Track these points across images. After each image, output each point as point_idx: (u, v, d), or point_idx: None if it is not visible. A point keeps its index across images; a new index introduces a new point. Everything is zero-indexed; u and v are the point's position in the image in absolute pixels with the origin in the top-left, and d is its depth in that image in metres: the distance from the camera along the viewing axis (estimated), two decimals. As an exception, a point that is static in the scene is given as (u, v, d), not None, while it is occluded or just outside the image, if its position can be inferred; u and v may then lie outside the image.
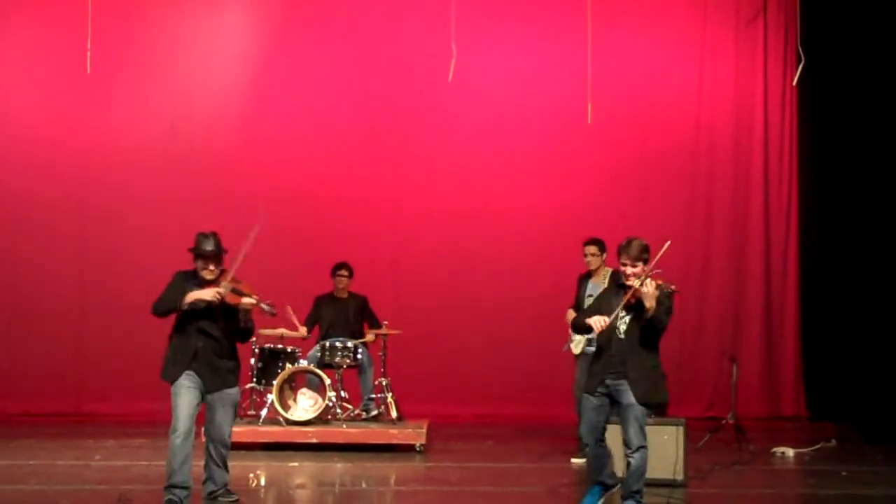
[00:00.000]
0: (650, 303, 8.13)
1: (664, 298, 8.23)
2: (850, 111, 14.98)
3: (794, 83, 14.33)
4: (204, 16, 15.20)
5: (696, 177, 15.50)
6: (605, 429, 8.51)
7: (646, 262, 8.26)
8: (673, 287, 8.38)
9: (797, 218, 15.53)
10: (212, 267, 8.56)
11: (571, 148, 15.25)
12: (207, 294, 8.43)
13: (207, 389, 8.60)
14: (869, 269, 14.66)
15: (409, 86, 15.24)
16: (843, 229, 15.11)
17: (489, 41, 15.19)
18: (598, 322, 8.25)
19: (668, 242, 8.28)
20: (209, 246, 8.57)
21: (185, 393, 8.49)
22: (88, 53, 13.09)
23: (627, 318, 8.32)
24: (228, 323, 8.61)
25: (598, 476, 8.57)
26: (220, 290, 8.42)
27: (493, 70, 15.30)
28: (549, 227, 14.94)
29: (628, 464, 8.36)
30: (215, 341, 8.58)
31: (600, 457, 8.51)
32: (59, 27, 14.67)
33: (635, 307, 8.25)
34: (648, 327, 8.26)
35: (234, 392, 8.76)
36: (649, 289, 8.11)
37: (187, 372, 8.52)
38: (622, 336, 8.33)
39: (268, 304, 8.54)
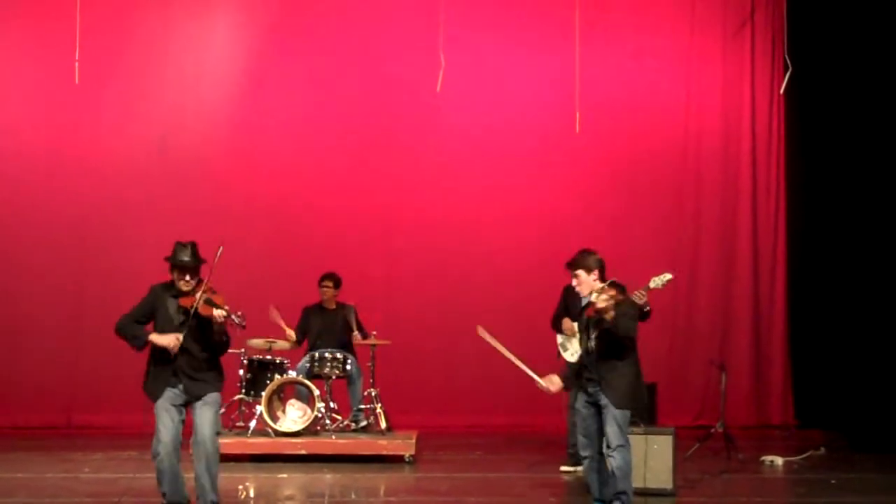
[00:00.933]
0: (608, 315, 8.21)
1: (627, 308, 8.29)
2: (838, 119, 15.02)
3: (782, 92, 14.34)
4: (194, 26, 15.21)
5: (684, 185, 15.54)
6: (600, 441, 8.49)
7: (589, 269, 8.51)
8: (643, 296, 8.47)
9: (785, 225, 15.58)
10: (187, 278, 8.40)
11: (560, 157, 15.27)
12: (166, 340, 8.31)
13: (189, 397, 8.41)
14: (857, 277, 14.68)
15: (397, 96, 15.25)
16: (831, 237, 15.15)
17: (477, 51, 15.21)
18: (554, 387, 8.71)
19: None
20: (185, 256, 8.42)
21: (164, 415, 8.36)
22: (76, 63, 13.06)
23: (595, 331, 8.44)
24: (205, 336, 8.42)
25: (604, 494, 8.54)
26: (179, 339, 8.28)
27: (482, 80, 15.32)
28: (539, 235, 14.95)
29: (609, 466, 8.40)
30: (192, 357, 8.40)
31: (603, 472, 8.49)
32: (47, 36, 14.65)
33: (598, 320, 8.35)
34: (612, 338, 8.32)
35: (212, 395, 8.48)
36: (604, 303, 8.20)
37: (168, 387, 8.37)
38: (593, 348, 8.47)
39: (238, 316, 8.32)
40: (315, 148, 15.17)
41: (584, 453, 8.60)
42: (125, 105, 15.02)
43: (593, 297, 8.32)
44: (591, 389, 8.47)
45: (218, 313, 8.23)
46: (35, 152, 14.80)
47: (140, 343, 8.41)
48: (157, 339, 8.35)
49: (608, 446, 8.38)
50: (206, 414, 8.38)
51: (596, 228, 14.61)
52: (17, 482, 10.66)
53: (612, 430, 8.34)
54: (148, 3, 15.11)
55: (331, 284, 13.02)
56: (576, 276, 8.58)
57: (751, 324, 15.43)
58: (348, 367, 12.65)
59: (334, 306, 13.05)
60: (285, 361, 12.52)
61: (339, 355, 12.62)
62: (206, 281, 8.43)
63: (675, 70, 15.59)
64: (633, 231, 15.16)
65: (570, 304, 11.66)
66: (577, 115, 13.77)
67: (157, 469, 8.40)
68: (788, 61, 13.74)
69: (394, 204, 15.17)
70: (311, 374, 12.53)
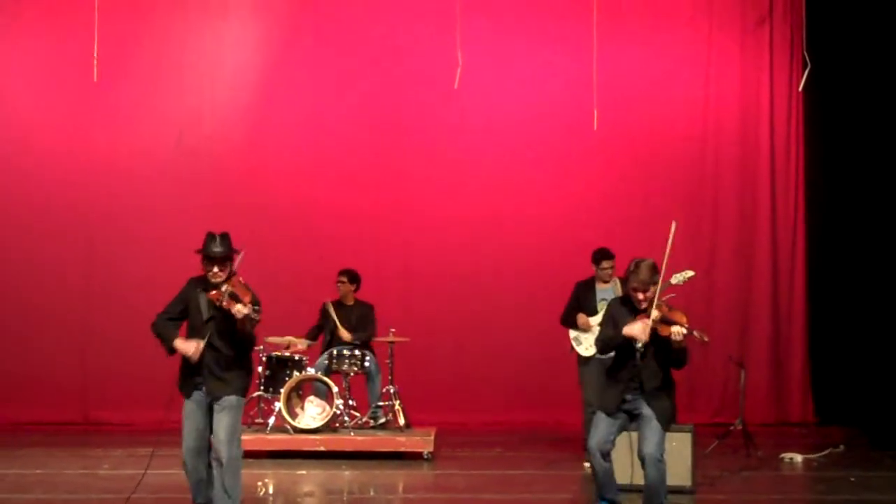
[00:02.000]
0: (677, 346, 8.03)
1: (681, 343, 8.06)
2: (857, 116, 14.96)
3: (801, 88, 14.32)
4: (211, 24, 15.21)
5: (703, 182, 15.48)
6: (613, 444, 8.35)
7: (656, 283, 8.16)
8: (687, 277, 8.40)
9: (804, 223, 15.50)
10: (216, 269, 8.21)
11: (577, 154, 15.23)
12: (187, 348, 8.19)
13: (212, 398, 8.24)
14: (877, 274, 14.63)
15: (414, 93, 15.24)
16: (851, 234, 15.08)
17: (495, 48, 15.18)
18: (643, 333, 8.09)
19: (673, 225, 8.31)
20: (216, 247, 8.24)
21: (189, 419, 8.27)
22: (95, 61, 13.10)
23: (654, 342, 8.17)
24: (230, 331, 8.22)
25: (608, 492, 8.39)
26: (201, 347, 8.15)
27: (499, 77, 15.29)
28: (556, 233, 14.93)
29: (646, 478, 8.21)
30: (219, 353, 8.21)
31: (609, 472, 8.33)
32: (66, 35, 14.67)
33: (655, 338, 8.10)
34: (670, 359, 8.20)
35: (232, 398, 8.25)
36: (681, 335, 7.97)
37: (196, 389, 8.25)
38: (640, 359, 8.20)
39: (255, 311, 8.08)
40: (332, 145, 15.17)
41: (594, 451, 8.25)
42: (143, 103, 15.03)
43: (654, 315, 8.05)
44: (629, 396, 8.23)
45: (237, 308, 8.04)
46: (52, 149, 14.81)
47: (168, 350, 8.30)
48: (180, 346, 8.23)
49: (645, 456, 8.14)
50: (223, 420, 8.21)
51: (613, 225, 14.62)
52: (35, 478, 10.70)
53: (654, 441, 8.12)
54: (166, 1, 15.12)
55: (346, 279, 13.01)
56: (642, 289, 8.19)
57: (770, 320, 15.37)
58: (367, 363, 12.64)
59: (352, 302, 13.05)
60: (304, 358, 12.51)
61: (357, 352, 12.61)
62: (236, 274, 8.27)
63: (694, 66, 15.53)
64: (651, 228, 15.05)
65: (582, 299, 11.74)
66: (595, 112, 13.76)
67: (184, 469, 8.34)
68: (807, 57, 13.73)
69: (411, 201, 15.15)
70: (329, 371, 12.53)
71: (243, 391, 8.39)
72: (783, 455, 12.17)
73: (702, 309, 15.19)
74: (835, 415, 14.83)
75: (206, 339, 8.17)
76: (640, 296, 8.15)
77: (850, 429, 14.01)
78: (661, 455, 8.14)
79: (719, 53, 15.52)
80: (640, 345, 8.13)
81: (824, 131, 15.38)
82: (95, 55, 13.08)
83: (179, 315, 8.38)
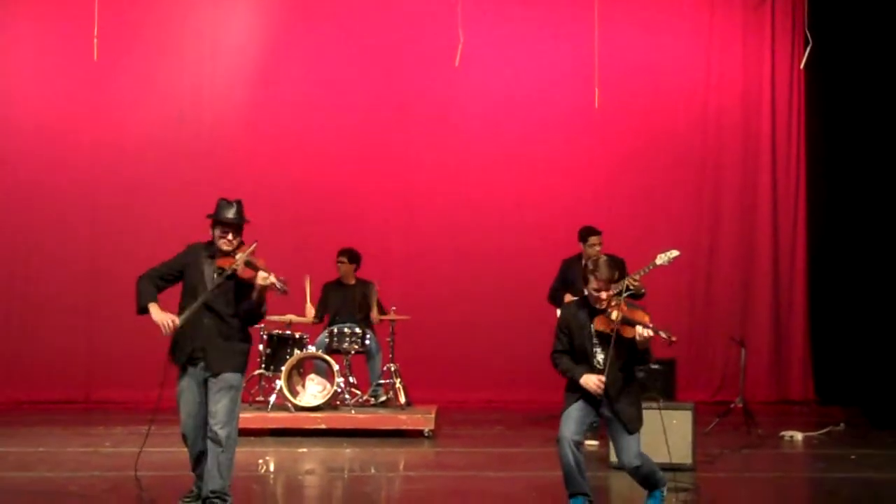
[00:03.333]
0: (642, 346, 7.70)
1: (646, 343, 7.72)
2: (859, 94, 14.96)
3: (802, 66, 14.33)
4: (212, 3, 15.18)
5: (705, 161, 15.48)
6: (586, 433, 8.04)
7: (616, 280, 7.84)
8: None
9: (805, 202, 15.51)
10: (230, 237, 7.92)
11: (579, 133, 15.23)
12: (161, 318, 7.80)
13: (209, 372, 7.89)
14: (877, 254, 14.65)
15: (416, 71, 15.22)
16: (852, 213, 15.10)
17: (496, 26, 15.16)
18: (596, 386, 7.73)
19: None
20: (230, 213, 7.96)
21: (185, 394, 7.97)
22: (95, 40, 13.08)
23: (600, 346, 7.85)
24: (238, 299, 7.94)
25: (582, 486, 7.89)
26: (175, 323, 7.79)
27: (500, 55, 15.27)
28: (557, 211, 14.91)
29: (640, 480, 8.04)
30: (222, 321, 7.91)
31: (581, 463, 7.85)
32: (66, 14, 14.66)
33: (618, 340, 7.73)
34: (633, 357, 7.84)
35: (231, 376, 7.91)
36: (640, 337, 7.60)
37: (191, 363, 7.91)
38: (600, 366, 7.83)
39: (281, 281, 7.86)
40: (333, 125, 15.15)
41: (566, 442, 7.81)
42: (143, 82, 15.01)
43: (614, 316, 7.70)
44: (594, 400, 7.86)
45: (262, 276, 7.78)
46: (53, 129, 14.80)
47: (139, 307, 7.89)
48: (154, 312, 7.83)
49: (621, 464, 7.99)
50: (222, 399, 7.86)
51: (615, 204, 14.66)
52: (38, 456, 10.71)
53: (630, 449, 7.86)
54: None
55: (345, 259, 13.02)
56: (603, 287, 7.76)
57: (771, 299, 15.40)
58: (367, 342, 12.66)
59: (353, 282, 13.06)
60: (305, 336, 12.53)
61: (357, 330, 12.62)
62: (250, 244, 7.99)
63: (695, 45, 15.52)
64: (652, 207, 15.14)
65: (569, 277, 11.71)
66: (597, 90, 13.76)
67: (186, 445, 8.14)
68: (809, 35, 13.71)
69: (412, 179, 15.15)
70: (330, 349, 12.55)
71: (243, 368, 8.09)
72: (783, 433, 12.19)
73: (703, 288, 15.23)
74: (835, 393, 14.87)
75: (199, 303, 7.83)
76: (603, 294, 7.75)
77: (850, 407, 14.04)
78: (640, 461, 7.90)
79: (721, 31, 15.51)
80: (599, 356, 7.82)
81: (826, 109, 15.39)
82: (95, 34, 13.06)
83: (172, 278, 8.04)
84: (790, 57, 15.35)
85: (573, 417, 7.89)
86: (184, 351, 7.97)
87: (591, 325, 7.87)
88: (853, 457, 11.00)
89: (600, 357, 7.86)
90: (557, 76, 15.24)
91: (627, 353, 7.82)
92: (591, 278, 7.78)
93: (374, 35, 15.20)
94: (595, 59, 13.90)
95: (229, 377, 7.92)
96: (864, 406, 13.80)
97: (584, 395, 7.87)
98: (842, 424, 12.88)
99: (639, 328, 7.65)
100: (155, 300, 7.93)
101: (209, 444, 7.90)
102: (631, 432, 7.87)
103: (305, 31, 15.21)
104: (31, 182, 14.78)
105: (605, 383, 7.76)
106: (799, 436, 12.11)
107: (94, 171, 14.84)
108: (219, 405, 7.86)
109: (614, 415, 7.87)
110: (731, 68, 15.50)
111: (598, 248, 11.54)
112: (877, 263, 14.63)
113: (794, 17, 15.33)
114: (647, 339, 7.66)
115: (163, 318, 7.82)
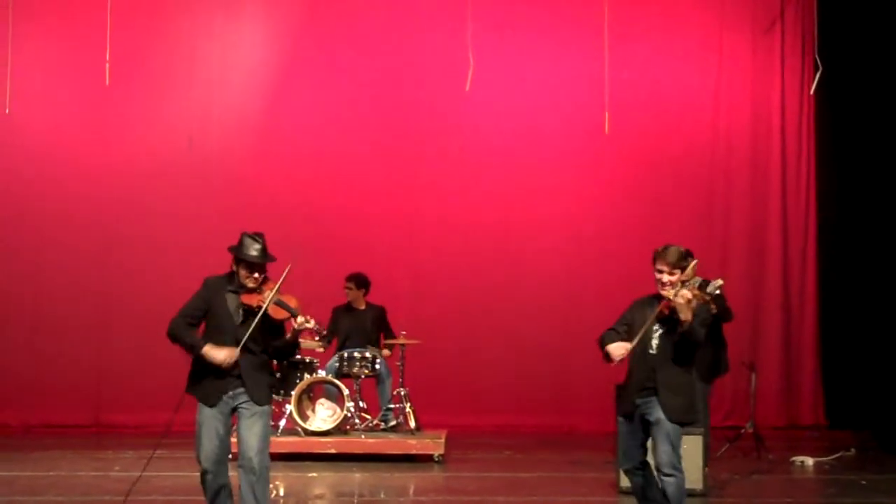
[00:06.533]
0: (685, 315, 7.50)
1: (701, 310, 7.58)
2: (868, 120, 14.96)
3: (812, 92, 14.32)
4: (222, 27, 15.23)
5: (714, 185, 15.46)
6: (644, 452, 7.84)
7: (684, 269, 7.65)
8: (718, 287, 7.99)
9: (815, 226, 15.48)
10: (256, 275, 7.68)
11: (589, 157, 15.22)
12: (221, 357, 7.53)
13: (238, 404, 7.64)
14: (888, 279, 14.62)
15: (426, 96, 15.23)
16: (862, 237, 15.08)
17: (506, 50, 15.18)
18: (617, 351, 7.64)
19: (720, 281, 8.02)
20: (255, 251, 7.66)
21: (209, 423, 7.62)
22: (107, 65, 13.14)
23: (660, 332, 7.71)
24: (270, 338, 7.76)
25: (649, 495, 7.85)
26: (234, 355, 7.54)
27: (511, 79, 15.28)
28: (567, 236, 14.93)
29: (663, 491, 7.74)
30: (255, 356, 7.69)
31: (643, 487, 7.83)
32: (78, 39, 14.71)
33: (668, 320, 7.65)
34: (683, 342, 7.62)
35: (267, 408, 7.73)
36: (683, 300, 7.47)
37: (220, 399, 7.61)
38: (654, 351, 7.70)
39: (318, 324, 7.75)
40: (342, 149, 15.16)
41: (622, 467, 7.99)
42: (154, 106, 15.03)
43: (670, 292, 7.58)
44: (639, 400, 7.73)
45: (300, 320, 7.61)
46: (65, 153, 14.83)
47: (196, 353, 7.61)
48: (210, 352, 7.54)
49: (660, 470, 7.67)
50: (255, 427, 7.61)
51: (625, 229, 14.63)
52: (48, 480, 10.73)
53: (665, 450, 7.62)
54: (177, 4, 15.15)
55: (352, 285, 13.03)
56: (668, 271, 7.68)
57: (781, 324, 15.36)
58: (377, 366, 12.66)
59: (363, 306, 13.07)
60: (315, 361, 12.54)
61: (368, 354, 12.63)
62: (273, 281, 7.81)
63: (705, 70, 15.51)
64: (662, 231, 15.07)
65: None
66: (607, 115, 13.76)
67: (203, 483, 7.73)
68: (819, 61, 13.71)
69: (421, 204, 15.15)
70: (340, 374, 12.55)
71: (271, 400, 8.03)
72: (794, 458, 12.18)
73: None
74: (846, 418, 14.81)
75: (241, 343, 7.59)
76: (665, 278, 7.65)
77: (860, 432, 14.01)
78: (676, 463, 7.66)
79: (730, 56, 15.50)
80: (654, 342, 7.69)
81: (835, 135, 15.37)
82: (108, 59, 13.12)
83: (198, 320, 7.74)
84: (800, 82, 15.34)
85: (621, 448, 7.91)
86: (213, 391, 7.65)
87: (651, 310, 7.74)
88: (864, 482, 10.99)
89: (655, 342, 7.73)
90: (568, 102, 15.24)
91: (679, 339, 7.64)
92: (658, 260, 7.73)
93: (384, 60, 15.23)
94: (605, 84, 13.90)
95: (265, 407, 7.75)
96: (875, 431, 13.77)
97: (622, 412, 7.86)
98: (852, 449, 12.86)
99: (683, 291, 7.52)
100: (204, 341, 7.67)
101: (243, 473, 7.62)
102: (672, 421, 7.61)
103: (314, 58, 15.24)
104: (42, 205, 14.80)
105: (655, 372, 7.65)
106: (810, 461, 12.09)
107: (105, 195, 14.85)
108: (251, 431, 7.62)
109: (660, 407, 7.62)
110: (741, 93, 15.50)
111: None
112: (888, 288, 14.60)
113: (803, 42, 15.32)
114: (689, 302, 7.50)
115: (222, 354, 7.55)
